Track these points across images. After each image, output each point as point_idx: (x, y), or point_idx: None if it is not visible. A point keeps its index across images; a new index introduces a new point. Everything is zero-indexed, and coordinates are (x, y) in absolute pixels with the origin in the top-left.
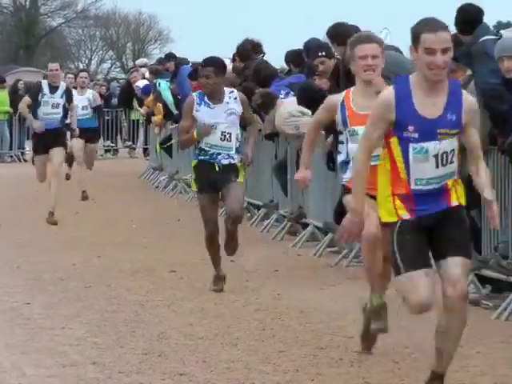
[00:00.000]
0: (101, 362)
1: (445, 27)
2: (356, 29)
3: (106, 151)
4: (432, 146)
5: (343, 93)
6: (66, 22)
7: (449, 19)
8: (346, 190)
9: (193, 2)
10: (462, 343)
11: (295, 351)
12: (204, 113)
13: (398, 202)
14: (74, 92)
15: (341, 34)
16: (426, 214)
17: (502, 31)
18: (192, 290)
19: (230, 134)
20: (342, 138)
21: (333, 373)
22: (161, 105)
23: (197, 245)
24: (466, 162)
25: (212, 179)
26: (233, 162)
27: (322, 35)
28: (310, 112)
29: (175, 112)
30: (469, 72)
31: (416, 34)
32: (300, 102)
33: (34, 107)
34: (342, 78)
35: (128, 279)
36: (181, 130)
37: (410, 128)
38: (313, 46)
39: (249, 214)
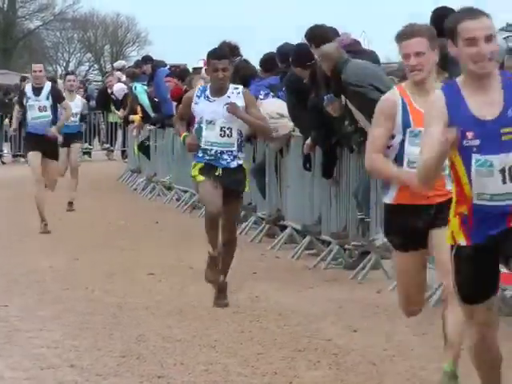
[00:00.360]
0: (78, 364)
1: (485, 13)
2: (334, 31)
3: (84, 153)
4: (497, 160)
5: (395, 90)
6: (44, 25)
7: (427, 21)
8: (391, 208)
9: (171, 4)
10: (439, 345)
11: (273, 354)
12: (202, 106)
13: (457, 223)
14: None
15: (318, 36)
16: (483, 238)
17: None
18: (170, 293)
19: (231, 128)
20: (392, 141)
21: (311, 375)
22: (139, 107)
23: (175, 247)
24: None
25: (218, 180)
26: (240, 162)
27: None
28: (287, 114)
29: (152, 115)
30: (446, 75)
31: (453, 25)
32: (286, 89)
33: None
34: (320, 80)
35: (106, 281)
36: (176, 117)
37: (469, 134)
38: (283, 52)
39: None
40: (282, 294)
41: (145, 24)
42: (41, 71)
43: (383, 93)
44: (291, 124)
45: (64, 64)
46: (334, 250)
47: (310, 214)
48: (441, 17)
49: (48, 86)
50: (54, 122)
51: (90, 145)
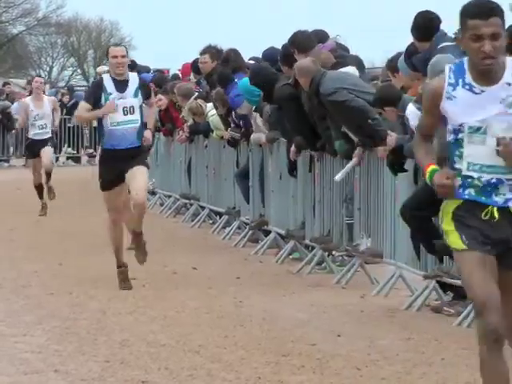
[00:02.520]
0: (63, 369)
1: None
2: (323, 35)
3: (68, 158)
4: None
5: None
6: (28, 30)
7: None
8: None
9: (155, 9)
10: (424, 350)
11: (257, 358)
12: (461, 102)
13: None
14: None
15: (301, 42)
16: None
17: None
18: (154, 298)
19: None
20: None
21: (295, 380)
22: None
23: (159, 252)
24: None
25: (482, 229)
26: None
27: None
28: None
29: None
30: (427, 80)
31: None
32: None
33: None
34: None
35: (90, 286)
36: (416, 132)
37: None
38: (269, 57)
39: (211, 221)
40: (266, 299)
41: (129, 29)
42: (123, 56)
43: (366, 100)
44: None
45: (47, 69)
46: (317, 255)
47: (294, 219)
48: (424, 20)
49: (135, 78)
50: (142, 130)
51: (73, 150)
